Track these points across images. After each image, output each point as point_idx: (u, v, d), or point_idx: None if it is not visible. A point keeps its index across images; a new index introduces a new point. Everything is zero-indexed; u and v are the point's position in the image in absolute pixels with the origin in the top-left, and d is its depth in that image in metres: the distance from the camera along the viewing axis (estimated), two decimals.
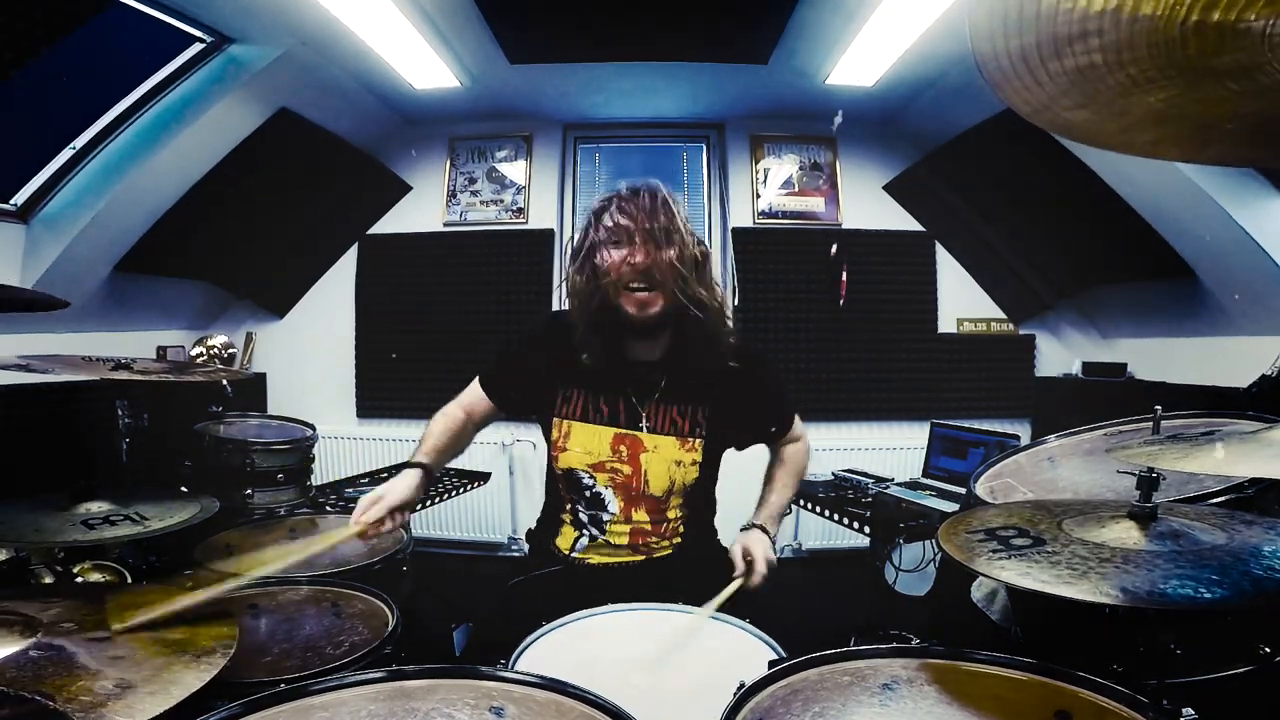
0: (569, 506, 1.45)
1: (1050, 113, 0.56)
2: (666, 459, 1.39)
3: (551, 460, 1.47)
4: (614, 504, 1.40)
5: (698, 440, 1.41)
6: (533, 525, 1.59)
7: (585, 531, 1.44)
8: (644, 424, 1.40)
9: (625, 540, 1.41)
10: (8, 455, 2.26)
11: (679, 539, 1.45)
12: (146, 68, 2.69)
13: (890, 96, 3.40)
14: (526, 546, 1.61)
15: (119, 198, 2.70)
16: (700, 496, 1.47)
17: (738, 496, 1.58)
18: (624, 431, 1.40)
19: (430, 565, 3.32)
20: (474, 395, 1.51)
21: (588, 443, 1.40)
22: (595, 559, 1.44)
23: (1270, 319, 2.61)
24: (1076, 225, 3.23)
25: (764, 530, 1.40)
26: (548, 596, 1.23)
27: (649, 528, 1.42)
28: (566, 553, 1.45)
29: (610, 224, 1.30)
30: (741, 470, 1.62)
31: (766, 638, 1.03)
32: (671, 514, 1.43)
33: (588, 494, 1.42)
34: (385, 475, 2.95)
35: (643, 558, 1.43)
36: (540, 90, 3.51)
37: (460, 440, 1.49)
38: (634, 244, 1.27)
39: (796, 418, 1.58)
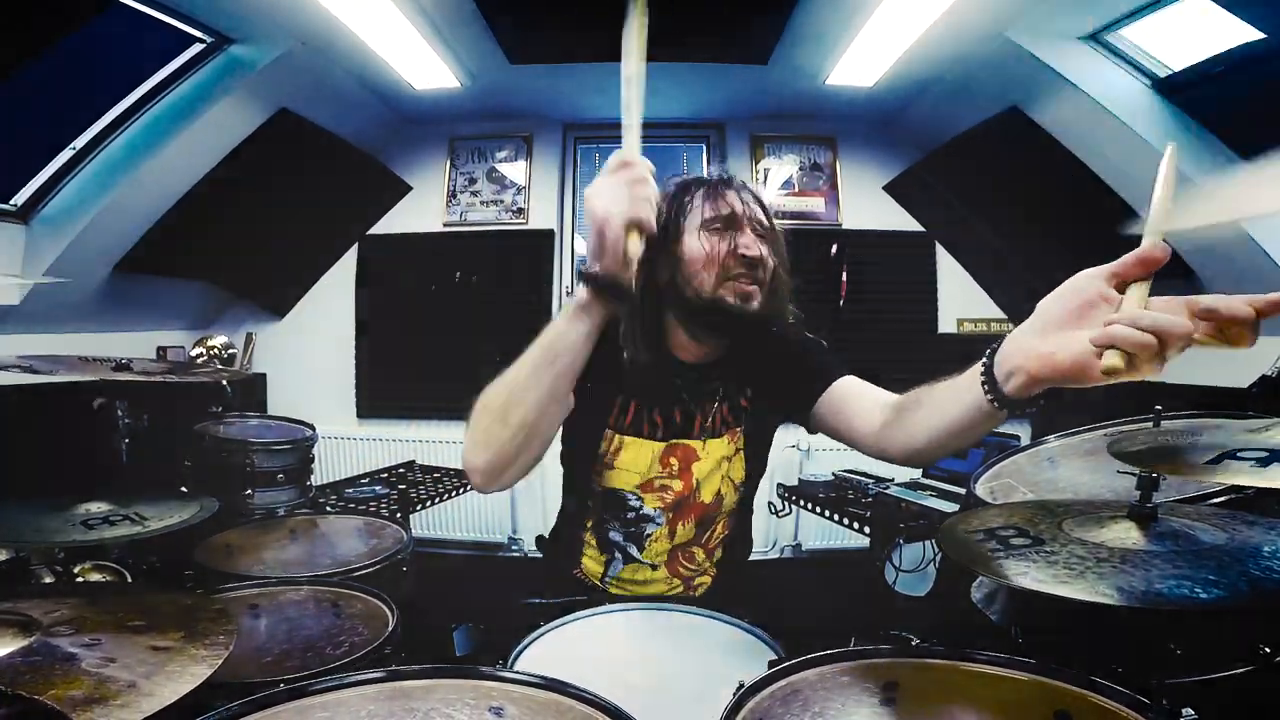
0: (601, 526, 1.29)
1: None
2: (716, 458, 1.25)
3: (589, 475, 1.27)
4: (660, 519, 1.26)
5: (738, 428, 1.27)
6: (544, 532, 1.47)
7: (617, 553, 1.28)
8: (697, 432, 1.25)
9: (664, 558, 1.27)
10: (8, 455, 2.26)
11: (717, 567, 1.30)
12: (146, 68, 2.69)
13: (890, 97, 3.40)
14: (530, 549, 1.53)
15: (119, 198, 2.70)
16: (745, 504, 1.33)
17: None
18: (675, 443, 1.24)
19: (430, 565, 3.32)
20: None
21: (637, 461, 1.24)
22: (627, 588, 1.28)
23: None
24: (1076, 225, 3.23)
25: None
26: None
27: (691, 537, 1.27)
28: (598, 580, 1.30)
29: (711, 210, 1.16)
30: None
31: (766, 638, 1.03)
32: (719, 526, 1.29)
33: (630, 515, 1.26)
34: (385, 475, 2.95)
35: (679, 589, 1.28)
36: (540, 90, 3.51)
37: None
38: (744, 233, 1.15)
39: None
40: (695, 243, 1.15)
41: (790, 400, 1.27)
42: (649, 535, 1.26)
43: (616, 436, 1.24)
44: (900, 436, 1.04)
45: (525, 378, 0.98)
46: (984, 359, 0.82)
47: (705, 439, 1.25)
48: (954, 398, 0.88)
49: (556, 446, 1.26)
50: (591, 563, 1.31)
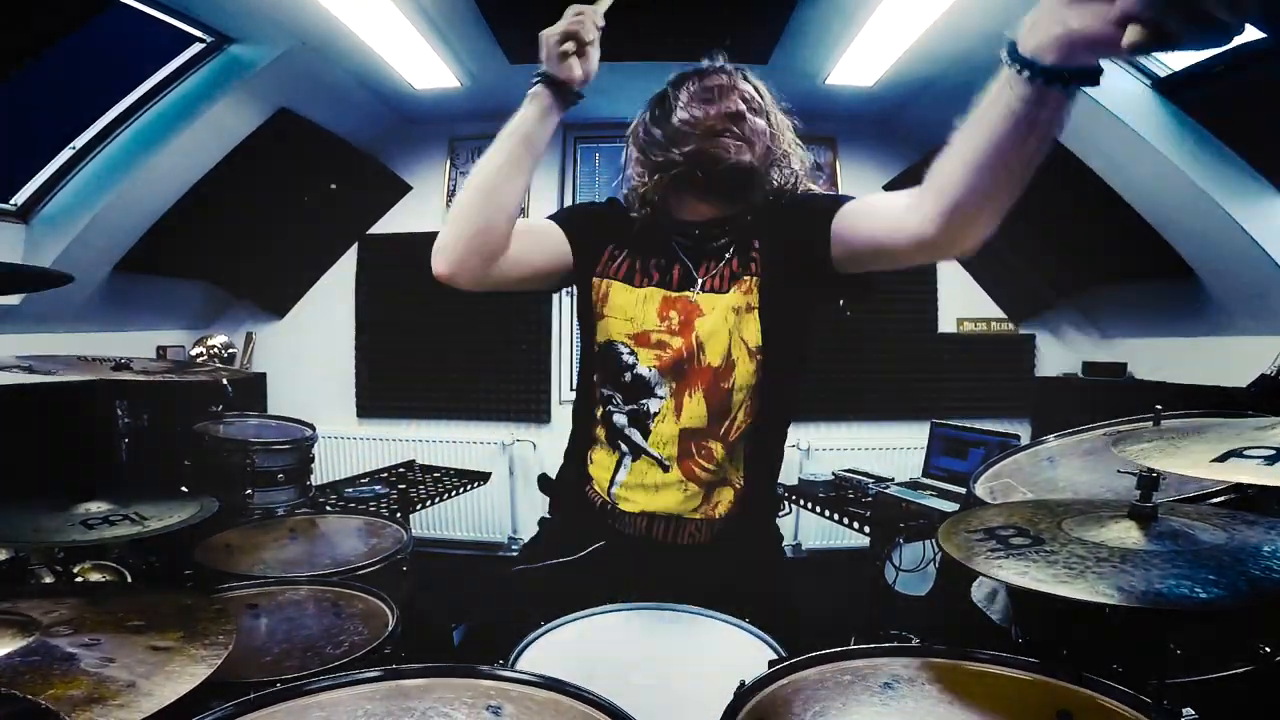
0: (604, 411, 1.21)
1: None
2: (723, 312, 1.16)
3: (587, 340, 1.26)
4: (662, 389, 1.17)
5: (752, 279, 1.18)
6: (551, 474, 1.39)
7: (623, 446, 1.20)
8: (699, 284, 1.19)
9: (673, 450, 1.17)
10: (8, 455, 2.26)
11: (745, 480, 1.20)
12: (146, 68, 2.70)
13: (890, 96, 3.40)
14: (542, 512, 1.44)
15: (119, 198, 2.70)
16: (770, 391, 1.19)
17: None
18: (675, 294, 1.19)
19: (430, 565, 3.32)
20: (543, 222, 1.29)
21: (629, 308, 1.20)
22: (638, 500, 1.20)
23: (1270, 319, 2.61)
24: (1076, 225, 3.23)
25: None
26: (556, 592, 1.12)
27: (704, 421, 1.16)
28: (606, 493, 1.22)
29: (695, 86, 1.21)
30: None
31: (766, 637, 1.02)
32: (739, 414, 1.17)
33: (628, 376, 1.19)
34: (385, 475, 2.95)
35: (698, 500, 1.19)
36: None
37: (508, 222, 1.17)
38: (728, 98, 1.18)
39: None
40: (692, 115, 1.19)
41: (805, 239, 1.15)
42: (655, 414, 1.18)
43: (604, 283, 1.22)
44: (933, 195, 1.01)
45: (491, 150, 1.18)
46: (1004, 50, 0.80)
47: (708, 294, 1.19)
48: (984, 107, 0.88)
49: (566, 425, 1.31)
50: (600, 470, 1.24)
